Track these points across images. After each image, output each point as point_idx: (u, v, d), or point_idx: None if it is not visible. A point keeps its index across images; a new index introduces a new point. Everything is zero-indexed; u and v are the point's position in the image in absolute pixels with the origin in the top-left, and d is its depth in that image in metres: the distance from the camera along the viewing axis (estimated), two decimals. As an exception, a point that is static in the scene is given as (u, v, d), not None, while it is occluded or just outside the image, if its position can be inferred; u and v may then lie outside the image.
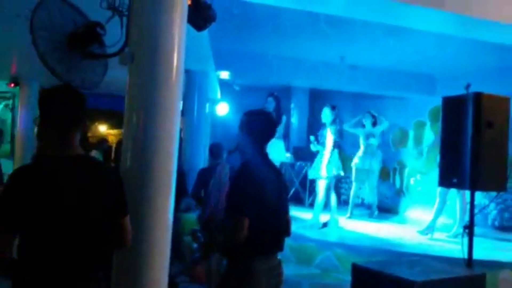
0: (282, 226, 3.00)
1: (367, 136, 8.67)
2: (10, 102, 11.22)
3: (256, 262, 2.78)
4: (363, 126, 8.76)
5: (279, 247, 2.97)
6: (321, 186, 7.10)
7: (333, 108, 7.17)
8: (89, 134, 11.65)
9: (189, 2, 2.93)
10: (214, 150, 5.51)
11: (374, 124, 8.65)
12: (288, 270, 5.93)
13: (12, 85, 9.97)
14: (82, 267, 2.10)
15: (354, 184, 8.73)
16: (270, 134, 3.02)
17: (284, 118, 7.80)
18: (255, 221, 2.74)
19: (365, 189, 9.19)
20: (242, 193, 2.79)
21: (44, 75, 2.88)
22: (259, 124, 2.99)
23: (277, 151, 7.72)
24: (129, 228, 2.26)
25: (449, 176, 4.01)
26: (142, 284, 2.67)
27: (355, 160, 8.74)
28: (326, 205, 7.28)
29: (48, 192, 2.03)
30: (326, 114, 7.14)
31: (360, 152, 8.74)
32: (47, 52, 2.85)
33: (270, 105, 7.72)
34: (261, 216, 2.78)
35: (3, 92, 10.93)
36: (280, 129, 7.74)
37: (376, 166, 8.69)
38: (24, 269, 2.04)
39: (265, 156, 2.99)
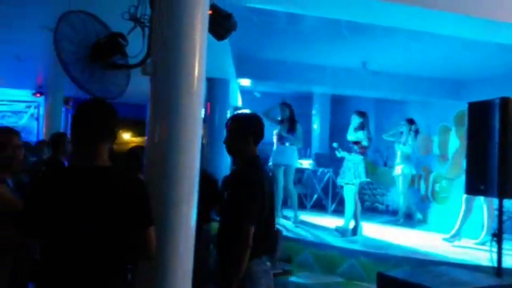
0: (274, 228, 3.06)
1: (399, 143, 8.61)
2: (36, 111, 11.43)
3: (254, 265, 2.83)
4: (401, 133, 8.66)
5: (272, 249, 3.01)
6: (349, 192, 7.03)
7: (360, 114, 7.12)
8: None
9: (210, 12, 2.94)
10: None
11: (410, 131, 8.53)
12: (312, 279, 5.92)
13: (38, 95, 10.19)
14: (92, 275, 2.10)
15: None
16: (263, 136, 3.07)
17: (299, 127, 7.73)
18: (256, 225, 2.79)
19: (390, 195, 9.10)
20: (251, 201, 2.81)
21: (68, 85, 2.92)
22: (255, 127, 3.03)
23: (290, 157, 7.69)
24: (152, 240, 2.24)
25: (476, 183, 3.93)
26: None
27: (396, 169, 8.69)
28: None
29: (59, 201, 2.09)
30: (354, 121, 7.09)
31: (397, 160, 8.66)
32: (71, 63, 2.89)
33: (285, 113, 7.68)
34: (260, 220, 2.82)
35: (29, 101, 11.16)
36: (298, 137, 7.69)
37: (407, 171, 8.57)
38: (44, 270, 2.12)
39: (258, 158, 3.05)
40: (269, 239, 3.00)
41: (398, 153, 8.62)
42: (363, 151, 7.05)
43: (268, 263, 3.01)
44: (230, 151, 3.08)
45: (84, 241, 2.08)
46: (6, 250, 2.63)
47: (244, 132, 2.99)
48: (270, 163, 9.16)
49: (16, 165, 2.89)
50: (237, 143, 3.00)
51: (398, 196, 8.92)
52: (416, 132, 8.45)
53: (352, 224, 7.10)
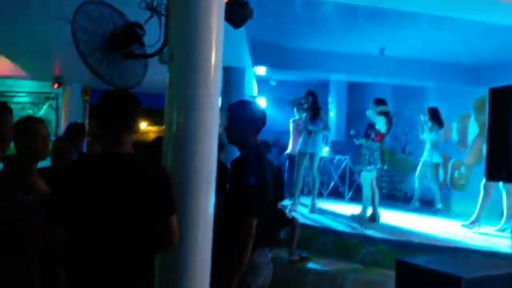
0: (276, 218, 3.04)
1: (422, 132, 8.68)
2: (54, 102, 11.55)
3: (257, 256, 2.84)
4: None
5: (274, 239, 3.01)
6: (365, 179, 7.00)
7: (377, 102, 7.07)
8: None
9: (226, 0, 2.93)
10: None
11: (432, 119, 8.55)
12: (330, 265, 5.93)
13: (56, 86, 10.28)
14: (117, 262, 2.14)
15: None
16: (263, 124, 3.02)
17: (323, 114, 7.76)
18: (258, 218, 2.78)
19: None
20: (253, 193, 2.78)
21: (87, 76, 2.94)
22: (255, 115, 3.00)
23: (314, 146, 7.71)
24: (175, 229, 2.28)
25: (497, 169, 3.88)
26: (185, 279, 2.68)
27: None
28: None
29: (84, 187, 2.14)
30: (374, 109, 7.06)
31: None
32: (89, 53, 2.91)
33: (308, 102, 7.70)
34: (263, 210, 2.82)
35: (47, 92, 11.28)
36: (323, 125, 7.73)
37: (425, 159, 8.56)
38: (71, 257, 2.17)
39: (259, 147, 3.02)
40: (272, 229, 2.99)
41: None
42: (380, 138, 7.00)
43: (270, 254, 3.02)
44: (230, 140, 3.03)
45: (108, 227, 2.12)
46: (37, 237, 2.68)
47: (243, 120, 2.95)
48: (288, 151, 9.20)
49: (44, 156, 2.92)
50: (237, 132, 2.97)
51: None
52: (434, 121, 8.37)
53: (369, 212, 7.08)
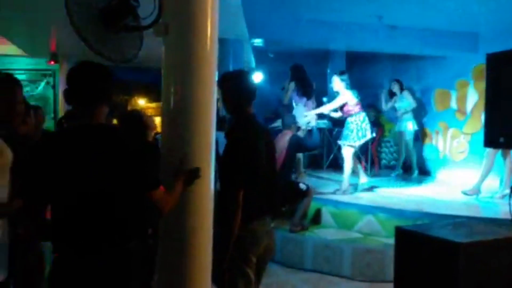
0: (275, 188, 3.08)
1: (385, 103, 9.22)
2: (51, 79, 11.48)
3: (256, 225, 2.90)
4: (394, 93, 9.14)
5: (274, 210, 3.06)
6: (347, 154, 6.97)
7: (342, 73, 7.12)
8: (129, 108, 11.88)
9: (221, -31, 2.88)
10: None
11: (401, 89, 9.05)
12: (330, 235, 6.00)
13: (52, 62, 10.20)
14: (98, 235, 2.10)
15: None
16: (255, 93, 3.04)
17: (289, 83, 7.95)
18: (251, 187, 2.82)
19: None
20: (238, 165, 2.82)
21: (83, 51, 2.91)
22: (244, 85, 3.02)
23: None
24: (159, 202, 2.23)
25: (495, 136, 3.88)
26: (187, 250, 2.71)
27: None
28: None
29: (61, 161, 2.08)
30: (336, 82, 7.07)
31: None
32: (83, 26, 2.86)
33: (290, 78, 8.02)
34: (256, 181, 2.85)
35: (43, 70, 11.20)
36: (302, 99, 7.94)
37: (397, 128, 9.09)
38: (54, 234, 2.14)
39: (253, 116, 3.03)
40: (272, 198, 3.02)
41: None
42: (358, 108, 6.95)
43: (272, 224, 3.07)
44: (227, 111, 3.07)
45: (89, 199, 2.08)
46: None
47: (234, 90, 2.98)
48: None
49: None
50: (230, 102, 3.00)
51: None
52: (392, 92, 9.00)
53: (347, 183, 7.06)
